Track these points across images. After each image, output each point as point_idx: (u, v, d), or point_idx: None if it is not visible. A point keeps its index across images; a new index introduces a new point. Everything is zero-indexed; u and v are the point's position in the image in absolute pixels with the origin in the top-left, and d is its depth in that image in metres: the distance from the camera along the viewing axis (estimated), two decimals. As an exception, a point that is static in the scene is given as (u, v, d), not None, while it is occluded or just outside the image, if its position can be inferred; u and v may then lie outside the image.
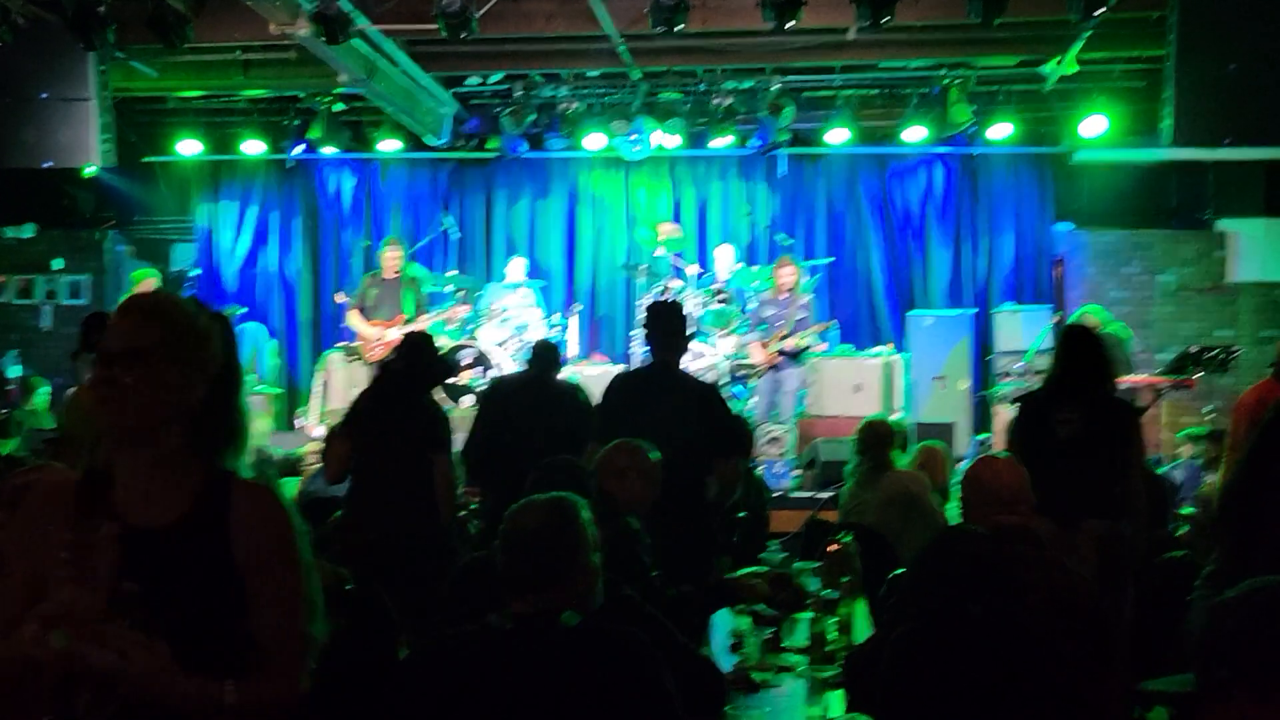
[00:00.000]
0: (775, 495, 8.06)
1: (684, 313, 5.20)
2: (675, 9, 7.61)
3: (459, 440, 6.01)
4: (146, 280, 9.88)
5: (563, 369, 7.01)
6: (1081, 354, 4.83)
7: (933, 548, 2.86)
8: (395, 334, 9.72)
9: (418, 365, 5.11)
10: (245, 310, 11.24)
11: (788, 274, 9.77)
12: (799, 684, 3.30)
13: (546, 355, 6.31)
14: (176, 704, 1.87)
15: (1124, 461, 4.70)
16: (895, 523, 5.39)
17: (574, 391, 6.09)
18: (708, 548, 4.73)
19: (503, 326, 10.38)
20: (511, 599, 2.50)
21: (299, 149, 11.88)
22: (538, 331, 10.55)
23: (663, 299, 9.98)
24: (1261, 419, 3.69)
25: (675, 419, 4.67)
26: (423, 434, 4.94)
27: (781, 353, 9.52)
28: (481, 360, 10.05)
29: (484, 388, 6.06)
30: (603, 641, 2.46)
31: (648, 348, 5.38)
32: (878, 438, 5.81)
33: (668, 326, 4.98)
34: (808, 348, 9.62)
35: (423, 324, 9.73)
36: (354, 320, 10.00)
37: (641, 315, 10.61)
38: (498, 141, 11.45)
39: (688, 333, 5.10)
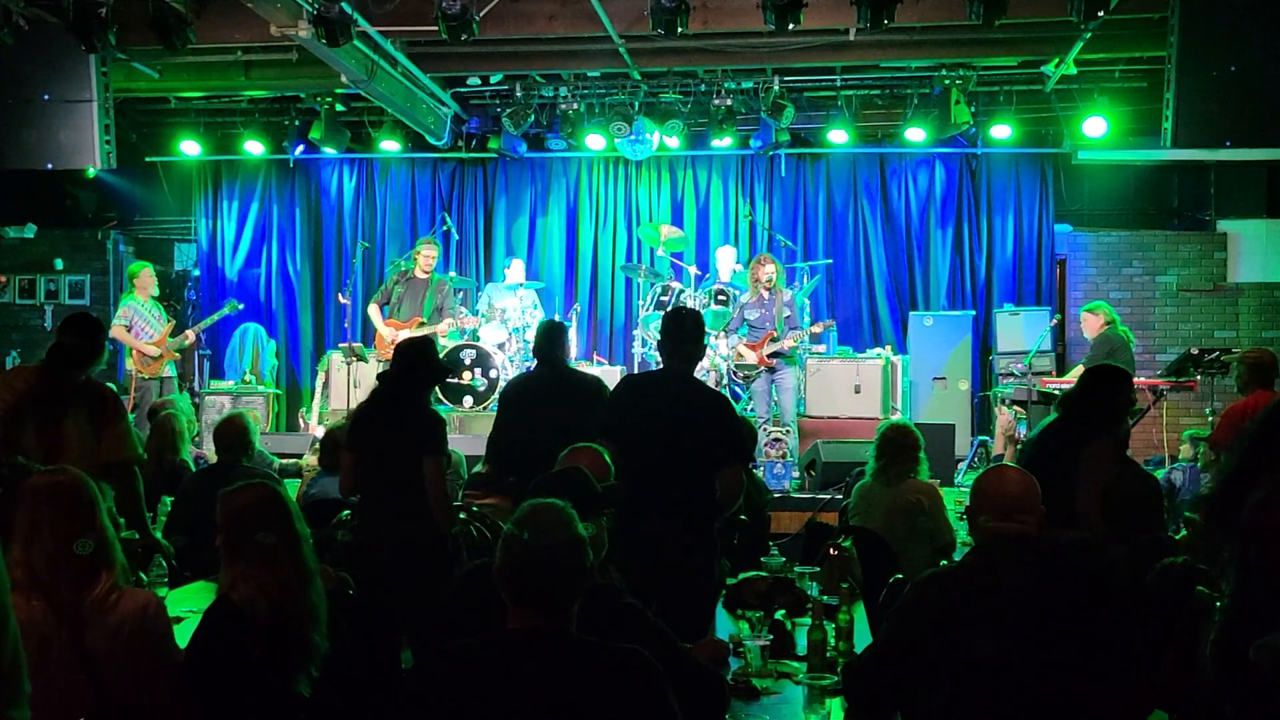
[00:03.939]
0: (777, 496, 8.07)
1: (700, 323, 5.05)
2: (676, 10, 7.59)
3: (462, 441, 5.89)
4: (144, 272, 9.89)
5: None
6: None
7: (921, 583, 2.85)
8: (406, 335, 9.73)
9: (412, 371, 5.10)
10: (243, 307, 11.24)
11: (764, 270, 9.66)
12: (799, 691, 3.31)
13: (551, 344, 6.09)
14: None
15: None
16: (900, 530, 5.39)
17: (596, 385, 5.97)
18: (711, 552, 4.71)
19: (502, 328, 10.38)
20: (515, 612, 2.47)
21: (299, 149, 11.91)
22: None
23: (681, 308, 9.92)
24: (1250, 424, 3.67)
25: (682, 424, 4.65)
26: (416, 438, 4.94)
27: (774, 354, 9.48)
28: (482, 361, 10.06)
29: (503, 388, 5.88)
30: (608, 658, 2.44)
31: (658, 354, 5.31)
32: (905, 443, 5.70)
33: (679, 336, 4.93)
34: (796, 347, 9.55)
35: (443, 329, 9.71)
36: (373, 314, 9.96)
37: (640, 316, 10.65)
38: (498, 142, 11.45)
39: (702, 343, 5.01)
